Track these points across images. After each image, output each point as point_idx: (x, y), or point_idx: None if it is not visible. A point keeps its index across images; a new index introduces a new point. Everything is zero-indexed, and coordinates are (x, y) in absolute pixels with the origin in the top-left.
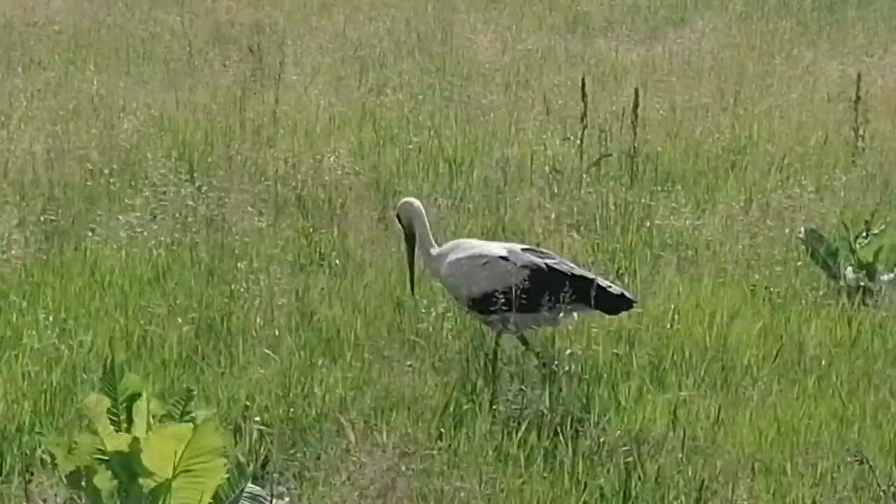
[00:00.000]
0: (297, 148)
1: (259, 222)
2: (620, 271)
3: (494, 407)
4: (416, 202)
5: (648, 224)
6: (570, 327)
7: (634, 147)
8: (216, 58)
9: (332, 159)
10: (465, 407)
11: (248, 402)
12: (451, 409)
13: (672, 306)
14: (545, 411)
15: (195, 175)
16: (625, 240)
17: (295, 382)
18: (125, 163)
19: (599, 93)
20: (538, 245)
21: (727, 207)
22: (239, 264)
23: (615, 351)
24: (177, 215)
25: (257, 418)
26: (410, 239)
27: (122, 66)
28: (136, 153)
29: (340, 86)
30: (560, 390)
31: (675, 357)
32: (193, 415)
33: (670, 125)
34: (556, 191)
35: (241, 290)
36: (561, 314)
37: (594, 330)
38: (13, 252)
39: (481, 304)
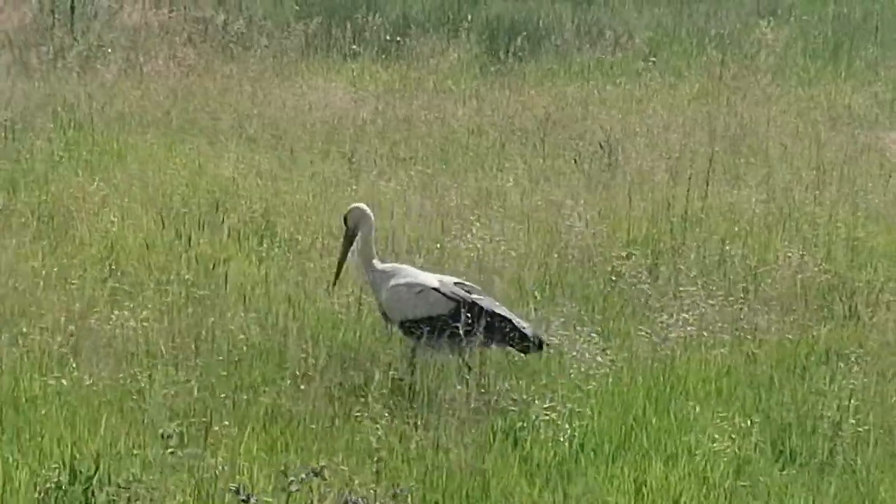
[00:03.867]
0: (753, 244)
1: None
2: None
3: None
4: (367, 209)
5: None
6: None
7: None
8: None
9: (789, 256)
10: None
11: None
12: None
13: None
14: None
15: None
16: None
17: None
18: (589, 258)
19: None
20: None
21: None
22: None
23: None
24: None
25: None
26: (350, 240)
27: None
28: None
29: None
30: None
31: None
32: None
33: None
34: None
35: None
36: (475, 345)
37: None
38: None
39: (408, 327)
